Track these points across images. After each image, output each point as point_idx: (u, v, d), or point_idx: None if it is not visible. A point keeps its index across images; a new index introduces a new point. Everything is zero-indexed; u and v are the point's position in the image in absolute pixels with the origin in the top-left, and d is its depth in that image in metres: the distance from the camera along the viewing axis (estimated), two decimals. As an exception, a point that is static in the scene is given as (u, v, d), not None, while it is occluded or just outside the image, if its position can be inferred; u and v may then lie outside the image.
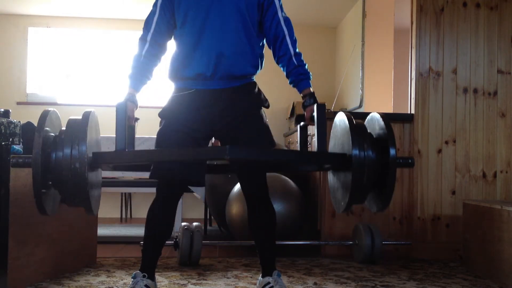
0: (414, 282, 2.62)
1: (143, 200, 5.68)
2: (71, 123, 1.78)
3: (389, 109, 4.59)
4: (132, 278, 2.09)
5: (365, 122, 2.03)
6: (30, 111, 5.57)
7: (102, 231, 4.22)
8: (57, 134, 1.78)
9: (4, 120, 1.57)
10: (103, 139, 4.29)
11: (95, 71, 6.13)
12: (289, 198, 3.39)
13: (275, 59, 2.19)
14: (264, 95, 2.20)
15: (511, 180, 3.42)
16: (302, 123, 2.20)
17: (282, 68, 2.18)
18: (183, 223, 3.06)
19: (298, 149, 2.26)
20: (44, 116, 1.74)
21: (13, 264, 2.19)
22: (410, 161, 1.93)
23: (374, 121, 1.99)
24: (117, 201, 5.78)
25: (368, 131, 1.96)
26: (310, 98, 2.11)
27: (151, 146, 2.50)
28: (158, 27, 2.12)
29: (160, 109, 2.15)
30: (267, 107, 2.20)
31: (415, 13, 3.46)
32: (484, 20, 3.47)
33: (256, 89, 2.18)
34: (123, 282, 2.48)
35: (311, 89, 2.14)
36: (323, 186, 3.41)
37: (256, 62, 2.15)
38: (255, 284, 2.42)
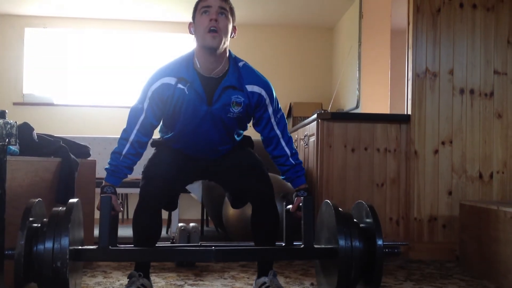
0: (411, 282, 2.62)
1: (140, 201, 5.65)
2: (54, 215, 1.76)
3: (386, 110, 4.60)
4: (128, 278, 2.12)
5: (352, 209, 2.08)
6: (27, 112, 5.56)
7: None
8: (40, 225, 1.76)
9: (0, 120, 1.57)
10: (100, 139, 4.32)
11: (91, 71, 6.12)
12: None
13: (269, 155, 2.24)
14: (251, 138, 2.35)
15: (508, 181, 3.42)
16: (288, 207, 2.21)
17: (276, 165, 2.24)
18: (180, 224, 3.06)
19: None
20: (28, 208, 1.73)
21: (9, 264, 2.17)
22: (396, 250, 1.93)
23: (361, 209, 2.02)
24: (114, 201, 5.75)
25: (355, 218, 1.98)
26: (304, 192, 2.15)
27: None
28: (143, 128, 2.12)
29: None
30: (252, 148, 2.34)
31: (411, 14, 3.46)
32: (480, 21, 3.48)
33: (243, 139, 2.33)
34: (120, 283, 2.47)
35: (305, 185, 2.20)
36: (321, 186, 3.41)
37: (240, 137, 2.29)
38: (251, 284, 2.42)
